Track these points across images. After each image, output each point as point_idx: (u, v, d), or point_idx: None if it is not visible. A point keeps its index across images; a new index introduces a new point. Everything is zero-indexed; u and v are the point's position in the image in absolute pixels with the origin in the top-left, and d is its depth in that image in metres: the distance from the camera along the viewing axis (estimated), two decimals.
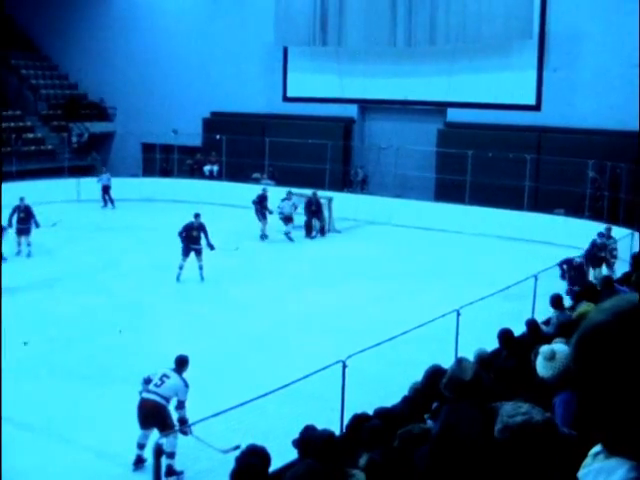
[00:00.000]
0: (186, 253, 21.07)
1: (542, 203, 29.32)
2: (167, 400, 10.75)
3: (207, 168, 35.81)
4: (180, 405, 10.80)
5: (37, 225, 23.82)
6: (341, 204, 28.96)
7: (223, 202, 31.19)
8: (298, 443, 6.09)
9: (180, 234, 21.04)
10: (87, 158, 38.54)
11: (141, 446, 10.83)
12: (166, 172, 37.06)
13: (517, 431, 3.13)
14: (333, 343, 15.46)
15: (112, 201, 33.09)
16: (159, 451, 6.31)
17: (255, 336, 16.68)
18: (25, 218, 23.52)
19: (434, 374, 6.76)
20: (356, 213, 29.75)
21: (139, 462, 10.85)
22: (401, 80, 32.93)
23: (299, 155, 33.09)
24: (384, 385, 11.04)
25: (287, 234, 26.77)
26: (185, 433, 10.04)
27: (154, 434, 10.48)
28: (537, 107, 30.70)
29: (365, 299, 19.83)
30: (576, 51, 29.42)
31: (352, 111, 34.95)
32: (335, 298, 19.78)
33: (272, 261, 24.05)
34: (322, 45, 34.41)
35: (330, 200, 28.92)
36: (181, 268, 21.04)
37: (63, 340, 16.05)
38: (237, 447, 10.10)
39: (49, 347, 14.95)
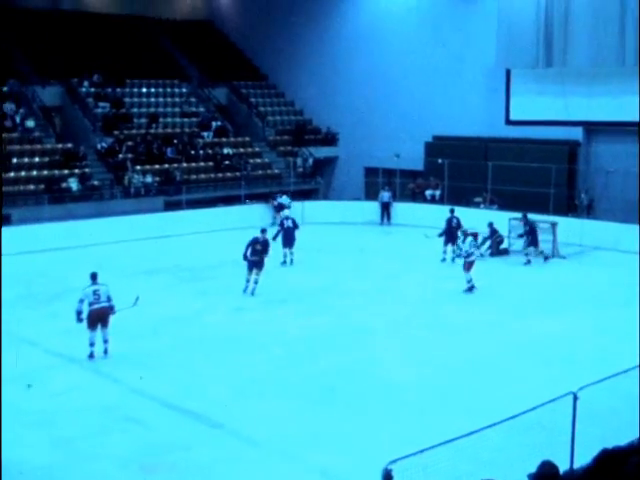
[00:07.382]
0: (250, 268, 21.98)
1: None
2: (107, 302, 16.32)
3: (429, 192, 35.95)
4: (109, 299, 16.28)
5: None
6: (566, 229, 28.20)
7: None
8: (535, 478, 5.93)
9: (245, 253, 21.96)
10: (311, 182, 39.67)
11: (93, 344, 16.10)
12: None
13: None
14: (557, 372, 15.07)
15: (389, 218, 34.78)
16: (388, 476, 6.35)
17: (476, 362, 16.47)
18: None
19: None
20: (582, 238, 28.88)
21: (92, 356, 16.10)
22: (629, 99, 31.69)
23: (522, 179, 32.51)
24: (615, 419, 10.58)
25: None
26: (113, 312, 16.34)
27: None
28: None
29: (591, 328, 19.12)
30: None
31: (577, 134, 34.00)
32: (559, 326, 19.21)
33: (491, 285, 23.73)
34: (546, 66, 33.75)
35: (554, 225, 28.23)
36: (247, 282, 21.96)
37: (288, 359, 16.52)
38: (137, 298, 17.02)
39: (274, 366, 15.37)
